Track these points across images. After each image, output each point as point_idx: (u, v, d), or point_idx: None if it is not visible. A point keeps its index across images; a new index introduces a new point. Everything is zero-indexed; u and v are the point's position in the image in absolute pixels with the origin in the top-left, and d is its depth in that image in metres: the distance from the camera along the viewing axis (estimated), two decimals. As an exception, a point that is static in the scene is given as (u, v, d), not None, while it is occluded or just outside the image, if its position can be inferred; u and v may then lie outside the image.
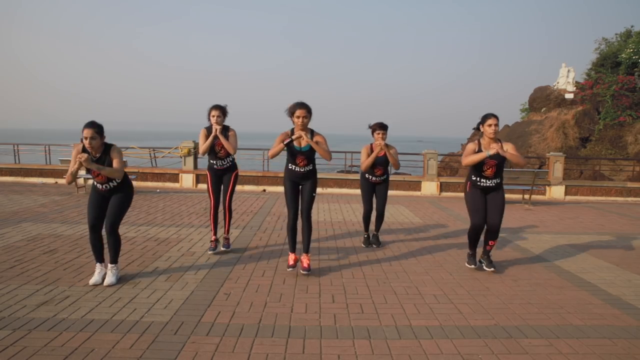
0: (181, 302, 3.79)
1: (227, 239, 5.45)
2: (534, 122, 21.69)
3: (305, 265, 4.58)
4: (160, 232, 6.40)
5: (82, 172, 10.57)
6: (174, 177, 12.16)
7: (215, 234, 5.35)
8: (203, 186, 11.94)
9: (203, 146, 5.14)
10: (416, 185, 11.95)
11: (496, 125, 4.56)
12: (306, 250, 4.66)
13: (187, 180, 12.02)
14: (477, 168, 4.66)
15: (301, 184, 4.69)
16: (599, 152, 19.61)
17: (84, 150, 4.10)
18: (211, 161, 5.29)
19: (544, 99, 22.68)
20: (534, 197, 11.19)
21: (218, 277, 4.48)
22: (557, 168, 11.99)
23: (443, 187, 11.97)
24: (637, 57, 21.21)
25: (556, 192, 11.94)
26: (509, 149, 4.58)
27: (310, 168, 4.65)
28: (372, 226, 6.05)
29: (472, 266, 4.94)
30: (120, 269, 4.51)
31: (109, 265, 4.28)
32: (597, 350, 3.12)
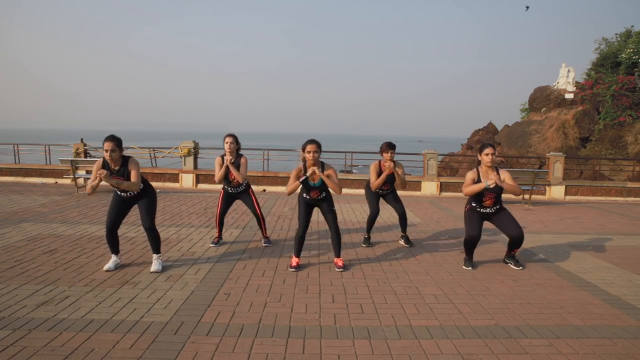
0: (181, 302, 3.79)
1: (267, 237, 5.92)
2: (534, 122, 21.69)
3: (340, 264, 4.85)
4: (160, 232, 6.38)
5: (82, 172, 10.58)
6: (174, 177, 12.17)
7: (219, 233, 5.79)
8: (203, 186, 11.95)
9: (218, 175, 5.51)
10: (416, 185, 11.96)
11: (493, 154, 4.77)
12: (338, 255, 4.93)
13: (187, 180, 12.02)
14: (477, 198, 4.88)
15: (316, 206, 4.96)
16: (599, 152, 19.61)
17: (104, 164, 4.42)
18: (225, 186, 5.69)
19: (544, 99, 22.67)
20: (534, 197, 11.19)
21: (218, 277, 4.48)
22: (557, 168, 11.99)
23: (443, 187, 11.97)
24: (637, 57, 21.21)
25: (556, 192, 11.94)
26: (506, 179, 4.77)
27: (324, 195, 4.89)
28: (373, 230, 6.04)
29: (469, 268, 5.02)
30: (162, 259, 4.87)
31: (154, 256, 4.68)
32: (597, 350, 3.12)
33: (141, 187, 4.58)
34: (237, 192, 5.68)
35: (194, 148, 12.18)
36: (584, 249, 6.06)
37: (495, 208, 4.91)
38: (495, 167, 4.85)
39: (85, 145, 12.36)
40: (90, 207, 8.16)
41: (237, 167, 5.49)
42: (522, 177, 10.25)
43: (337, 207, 9.09)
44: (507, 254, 5.18)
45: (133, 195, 4.60)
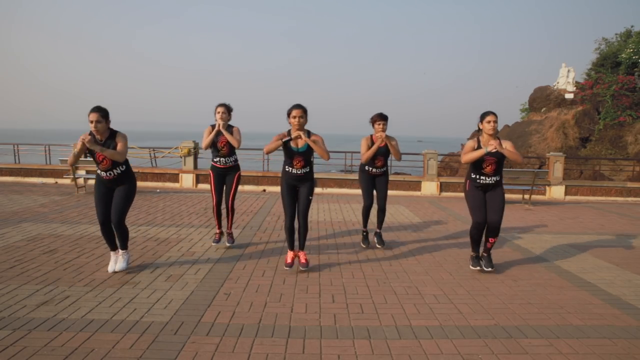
0: (181, 302, 3.79)
1: (230, 234, 5.62)
2: (534, 122, 21.70)
3: (303, 260, 4.71)
4: (160, 232, 6.40)
5: (82, 172, 10.57)
6: (174, 177, 12.17)
7: (219, 227, 5.62)
8: (203, 186, 11.94)
9: (206, 140, 5.26)
10: (416, 185, 11.95)
11: (495, 122, 4.59)
12: (302, 247, 4.78)
13: (187, 180, 12.02)
14: (477, 165, 4.68)
15: (298, 187, 4.71)
16: (599, 152, 19.61)
17: (90, 139, 4.24)
18: (214, 159, 5.42)
19: (544, 99, 22.68)
20: (534, 197, 11.19)
21: (218, 277, 4.48)
22: (557, 168, 12.00)
23: (443, 187, 11.97)
24: (637, 57, 21.21)
25: (556, 192, 11.94)
26: (507, 147, 4.58)
27: (307, 170, 4.66)
28: (371, 226, 6.04)
29: (477, 268, 4.86)
30: (130, 255, 4.77)
31: (120, 252, 4.56)
32: (597, 350, 3.12)
33: (122, 169, 4.40)
34: (226, 166, 5.38)
35: (194, 148, 12.18)
36: (584, 249, 6.06)
37: (495, 179, 4.66)
38: (497, 136, 4.65)
39: (85, 145, 12.35)
40: (90, 207, 8.16)
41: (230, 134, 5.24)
42: (522, 177, 10.25)
43: (336, 206, 9.10)
44: (484, 248, 4.88)
45: (113, 178, 4.37)
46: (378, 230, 5.80)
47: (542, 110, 22.60)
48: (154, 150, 13.84)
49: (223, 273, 4.62)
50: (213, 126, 5.29)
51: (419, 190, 11.91)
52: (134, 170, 12.64)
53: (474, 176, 4.75)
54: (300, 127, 4.48)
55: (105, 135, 4.30)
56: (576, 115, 20.64)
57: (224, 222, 5.72)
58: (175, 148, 12.64)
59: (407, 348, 3.10)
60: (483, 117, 4.67)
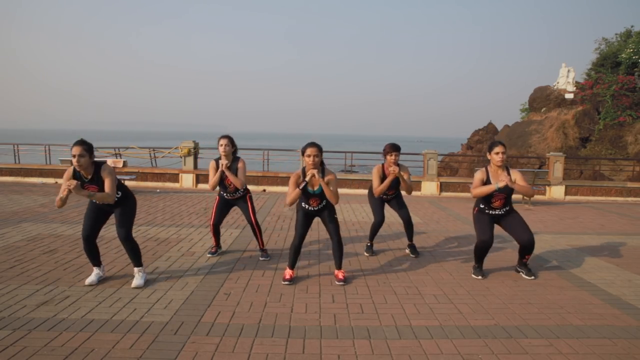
0: (181, 302, 3.79)
1: (264, 250, 5.31)
2: (534, 122, 21.69)
3: (341, 277, 4.45)
4: (160, 232, 6.40)
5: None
6: (174, 177, 12.17)
7: (216, 243, 5.34)
8: (203, 186, 11.94)
9: (211, 181, 5.05)
10: (416, 185, 11.96)
11: (503, 153, 4.43)
12: (339, 267, 4.54)
13: (187, 180, 12.02)
14: (486, 199, 4.57)
15: (317, 216, 4.60)
16: (599, 152, 19.61)
17: (74, 174, 4.01)
18: (222, 192, 5.23)
19: (544, 99, 22.67)
20: (533, 197, 11.19)
21: (218, 277, 4.48)
22: (557, 168, 12.00)
23: (443, 187, 11.97)
24: (637, 57, 21.20)
25: (556, 192, 11.94)
26: (517, 179, 4.45)
27: (324, 204, 4.53)
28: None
29: (479, 277, 4.72)
30: (145, 270, 4.50)
31: (135, 269, 4.25)
32: (597, 350, 3.12)
33: (118, 196, 4.15)
34: (234, 197, 5.20)
35: (194, 148, 12.18)
36: (584, 249, 6.06)
37: (504, 210, 4.60)
38: (506, 166, 4.54)
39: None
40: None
41: (235, 172, 5.01)
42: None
43: (336, 207, 9.09)
44: (519, 262, 4.84)
45: (110, 205, 4.19)
46: (411, 242, 5.56)
47: (542, 110, 22.60)
48: (154, 150, 13.84)
49: (223, 273, 4.62)
50: (217, 160, 5.10)
51: (419, 190, 11.92)
52: (135, 170, 12.59)
53: (482, 207, 4.66)
54: (315, 165, 4.29)
55: (90, 171, 3.99)
56: (576, 115, 20.63)
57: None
58: (175, 148, 12.64)
59: (407, 348, 3.10)
60: (491, 147, 4.53)
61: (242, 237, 6.25)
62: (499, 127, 25.04)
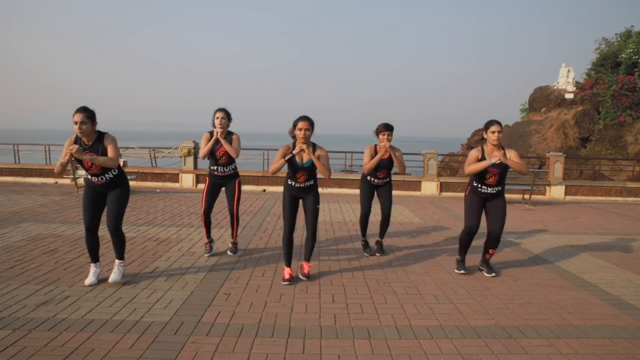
0: (181, 302, 3.79)
1: (235, 244, 5.34)
2: (534, 122, 21.69)
3: (306, 271, 4.49)
4: (160, 232, 6.40)
5: (82, 171, 10.56)
6: (174, 177, 12.17)
7: (208, 236, 5.25)
8: (203, 186, 11.92)
9: (204, 149, 4.96)
10: (416, 185, 11.95)
11: (499, 131, 4.46)
12: (307, 259, 4.56)
13: (187, 181, 12.02)
14: (480, 175, 4.58)
15: (301, 198, 4.53)
16: (599, 152, 19.61)
17: (76, 141, 3.99)
18: (212, 167, 5.13)
19: (544, 99, 22.67)
20: (534, 197, 11.19)
21: (218, 277, 4.48)
22: (557, 168, 12.00)
23: (443, 187, 11.97)
24: (637, 57, 21.21)
25: (556, 192, 11.94)
26: (512, 157, 4.49)
27: (311, 183, 4.47)
28: (369, 231, 6.03)
29: (462, 272, 4.78)
30: (126, 267, 4.52)
31: (116, 261, 4.33)
32: (597, 350, 3.12)
33: (116, 173, 4.11)
34: (224, 174, 5.08)
35: (194, 148, 12.18)
36: (584, 249, 6.06)
37: (497, 189, 4.59)
38: (501, 145, 4.57)
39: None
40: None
41: (229, 143, 4.96)
42: (522, 177, 10.25)
43: (337, 207, 9.09)
44: (483, 259, 4.87)
45: (105, 183, 4.08)
46: (379, 239, 5.57)
47: (542, 110, 22.60)
48: (154, 150, 13.85)
49: (223, 273, 4.62)
50: (211, 133, 5.03)
51: (419, 190, 11.91)
52: (135, 170, 12.61)
53: (475, 184, 4.68)
54: (306, 140, 4.26)
55: (91, 138, 3.97)
56: (576, 115, 20.64)
57: (219, 230, 5.52)
58: (175, 148, 12.64)
59: (407, 348, 3.10)
60: (487, 126, 4.57)
61: (242, 237, 6.26)
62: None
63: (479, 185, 4.64)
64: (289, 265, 4.44)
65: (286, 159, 4.25)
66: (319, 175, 4.57)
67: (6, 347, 2.95)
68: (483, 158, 4.54)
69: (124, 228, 6.33)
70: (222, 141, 4.91)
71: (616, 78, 20.74)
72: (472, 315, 3.69)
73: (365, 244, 5.60)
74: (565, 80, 22.45)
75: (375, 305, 3.87)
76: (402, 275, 4.73)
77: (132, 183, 11.46)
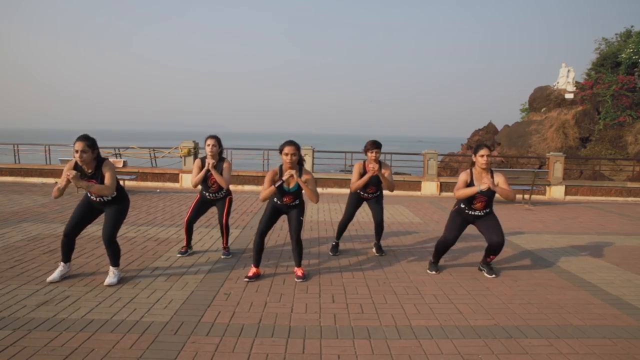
0: (181, 302, 3.79)
1: (226, 248, 5.34)
2: (534, 122, 21.69)
3: (300, 274, 4.51)
4: (160, 232, 6.40)
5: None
6: (174, 177, 12.17)
7: (187, 241, 5.29)
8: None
9: (195, 179, 5.08)
10: (416, 185, 11.95)
11: (488, 156, 4.50)
12: (298, 264, 4.59)
13: (187, 181, 12.02)
14: (467, 200, 4.63)
15: (286, 212, 4.58)
16: (599, 152, 19.61)
17: (76, 167, 4.03)
18: (204, 192, 5.23)
19: (544, 99, 22.68)
20: (534, 197, 11.19)
21: (218, 277, 4.48)
22: (557, 168, 12.00)
23: (443, 187, 11.97)
24: (637, 57, 21.21)
25: (556, 192, 11.94)
26: (500, 183, 4.52)
27: (297, 202, 4.54)
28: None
29: (434, 272, 4.80)
30: (121, 270, 4.51)
31: (111, 268, 4.28)
32: (597, 350, 3.12)
33: (113, 195, 4.17)
34: (215, 198, 5.22)
35: (194, 148, 12.18)
36: (584, 249, 6.06)
37: (484, 212, 4.66)
38: (490, 169, 4.61)
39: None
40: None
41: (220, 172, 5.04)
42: (522, 177, 10.25)
43: (336, 207, 9.09)
44: (483, 261, 4.88)
45: (104, 202, 4.19)
46: (377, 242, 5.61)
47: (542, 110, 22.60)
48: (154, 150, 13.85)
49: (223, 273, 4.62)
50: (202, 159, 5.13)
51: (419, 190, 11.91)
52: (135, 170, 12.59)
53: (463, 206, 4.71)
54: (292, 164, 4.32)
55: (92, 166, 4.04)
56: (576, 115, 20.64)
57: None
58: (175, 148, 12.65)
59: (407, 348, 3.10)
60: (476, 150, 4.59)
61: (242, 237, 6.26)
62: (499, 127, 25.05)
63: (466, 208, 4.69)
64: (257, 265, 4.53)
65: (276, 186, 4.31)
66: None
67: (6, 347, 2.95)
68: (472, 182, 4.58)
69: (124, 228, 6.36)
70: (213, 172, 4.97)
71: (616, 78, 20.74)
72: (472, 315, 3.69)
73: (336, 245, 5.60)
74: (565, 80, 22.45)
75: (375, 305, 3.87)
76: (402, 275, 4.73)
77: (132, 183, 11.47)
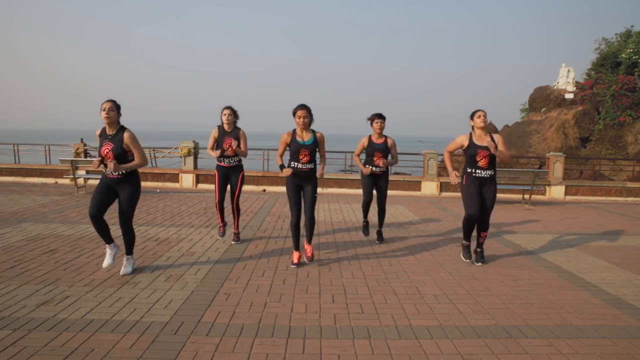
0: (181, 302, 3.79)
1: (236, 233, 5.84)
2: (534, 122, 21.70)
3: (309, 254, 4.88)
4: (160, 232, 6.40)
5: (82, 172, 10.57)
6: (174, 177, 12.17)
7: (222, 221, 5.84)
8: (203, 186, 11.94)
9: (210, 143, 5.62)
10: (416, 185, 11.96)
11: (484, 115, 4.85)
12: (309, 240, 4.92)
13: (187, 180, 12.03)
14: (471, 160, 4.93)
15: (303, 185, 4.86)
16: (599, 152, 19.62)
17: (101, 135, 4.34)
18: (218, 159, 5.62)
19: (544, 99, 22.68)
20: (534, 197, 11.19)
21: (218, 277, 4.48)
22: (557, 168, 12.00)
23: (443, 187, 11.98)
24: (637, 57, 21.22)
25: (556, 192, 11.94)
26: (498, 143, 4.86)
27: (312, 167, 4.81)
28: (372, 218, 6.05)
29: (467, 260, 5.08)
30: (135, 260, 4.76)
31: (125, 257, 4.53)
32: (597, 350, 3.12)
33: (126, 172, 4.39)
34: (230, 165, 5.62)
35: (194, 148, 12.18)
36: (584, 249, 6.06)
37: (489, 173, 4.91)
38: (488, 132, 4.94)
39: (85, 145, 12.37)
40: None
41: (237, 139, 5.50)
42: (522, 177, 10.25)
43: (336, 206, 9.10)
44: (477, 243, 5.21)
45: (119, 177, 4.34)
46: (379, 229, 6.08)
47: (542, 110, 22.61)
48: (154, 150, 13.85)
49: (223, 273, 4.62)
50: (220, 127, 5.57)
51: (419, 190, 11.92)
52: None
53: (469, 170, 4.97)
54: (305, 126, 4.66)
55: (114, 128, 4.32)
56: (576, 115, 20.65)
57: (229, 220, 6.10)
58: (175, 148, 12.64)
59: (407, 348, 3.10)
60: (473, 114, 4.96)
61: (242, 237, 6.24)
62: (499, 127, 25.05)
63: (473, 171, 4.95)
64: (297, 249, 4.88)
65: (291, 166, 4.73)
66: (318, 163, 4.96)
67: (6, 347, 2.95)
68: (472, 143, 4.91)
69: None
70: (239, 151, 5.51)
71: (616, 78, 20.75)
72: (472, 315, 3.69)
73: (366, 225, 6.16)
74: (565, 80, 22.46)
75: (375, 305, 3.87)
76: (402, 275, 4.73)
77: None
